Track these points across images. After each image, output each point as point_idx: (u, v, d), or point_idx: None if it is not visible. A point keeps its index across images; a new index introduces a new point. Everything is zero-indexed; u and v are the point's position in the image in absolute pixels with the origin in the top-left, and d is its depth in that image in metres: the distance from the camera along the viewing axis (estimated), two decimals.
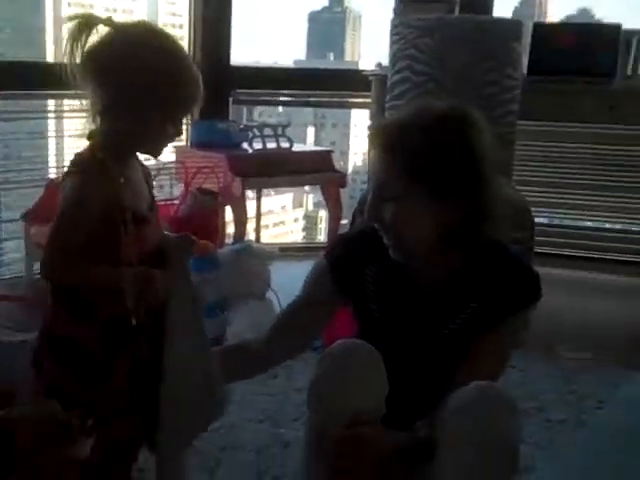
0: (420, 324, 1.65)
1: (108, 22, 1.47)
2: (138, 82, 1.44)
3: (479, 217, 1.54)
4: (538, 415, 2.47)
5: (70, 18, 1.46)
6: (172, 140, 1.57)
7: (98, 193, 1.43)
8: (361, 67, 4.15)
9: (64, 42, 1.45)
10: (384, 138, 1.55)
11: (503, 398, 1.49)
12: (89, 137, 1.51)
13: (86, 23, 1.45)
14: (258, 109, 5.11)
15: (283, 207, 21.15)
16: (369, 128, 1.61)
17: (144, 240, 1.52)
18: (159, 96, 1.45)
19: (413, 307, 1.66)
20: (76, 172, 1.46)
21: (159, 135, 1.52)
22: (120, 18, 1.52)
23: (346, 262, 1.71)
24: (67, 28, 1.46)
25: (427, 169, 1.50)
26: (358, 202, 3.15)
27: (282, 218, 21.01)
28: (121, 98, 1.45)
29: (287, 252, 3.83)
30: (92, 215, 1.43)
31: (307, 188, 5.36)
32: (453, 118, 1.54)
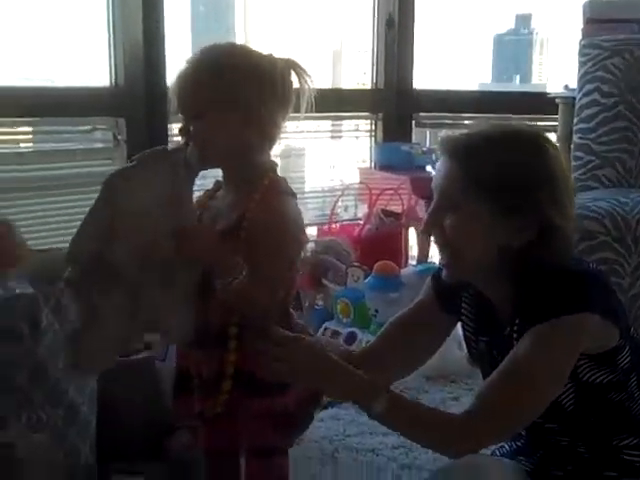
0: (496, 359, 1.49)
1: None
2: None
3: (545, 246, 1.39)
4: None
5: None
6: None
7: None
8: (549, 90, 4.09)
9: None
10: (453, 145, 1.44)
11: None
12: None
13: None
14: (443, 133, 5.14)
15: None
16: (439, 139, 1.52)
17: None
18: None
19: (494, 340, 1.53)
20: None
21: None
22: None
23: (447, 287, 1.59)
24: None
25: (494, 181, 1.37)
26: None
27: None
28: None
29: None
30: None
31: None
32: (529, 135, 1.44)
